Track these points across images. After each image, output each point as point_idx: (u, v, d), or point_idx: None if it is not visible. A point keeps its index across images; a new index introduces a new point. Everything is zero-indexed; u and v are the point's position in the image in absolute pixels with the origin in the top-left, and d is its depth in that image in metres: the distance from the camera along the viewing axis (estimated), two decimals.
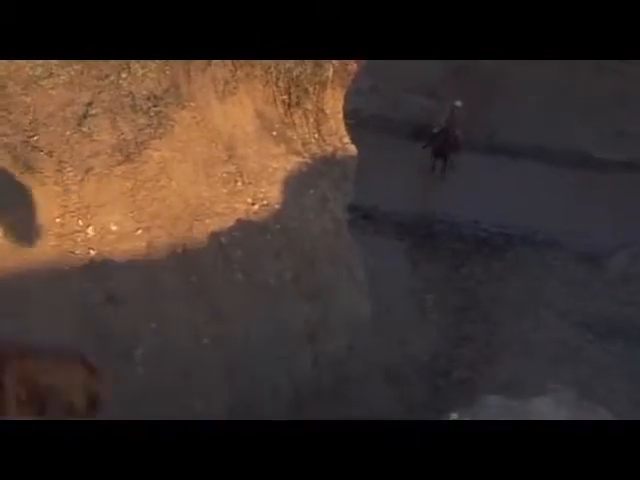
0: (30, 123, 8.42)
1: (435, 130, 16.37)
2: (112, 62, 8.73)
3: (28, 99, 8.49)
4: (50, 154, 8.37)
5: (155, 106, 9.04)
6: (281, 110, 10.73)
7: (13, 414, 3.66)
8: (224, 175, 9.71)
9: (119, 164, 8.66)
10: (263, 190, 10.02)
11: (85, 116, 8.60)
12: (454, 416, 7.53)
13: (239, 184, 9.81)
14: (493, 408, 7.82)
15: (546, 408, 7.63)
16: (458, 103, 15.90)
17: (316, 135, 11.12)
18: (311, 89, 10.77)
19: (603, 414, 7.70)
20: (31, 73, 8.55)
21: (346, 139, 11.43)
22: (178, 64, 9.29)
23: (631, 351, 11.76)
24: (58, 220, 8.31)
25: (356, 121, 12.75)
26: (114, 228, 8.55)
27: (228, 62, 9.85)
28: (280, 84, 10.51)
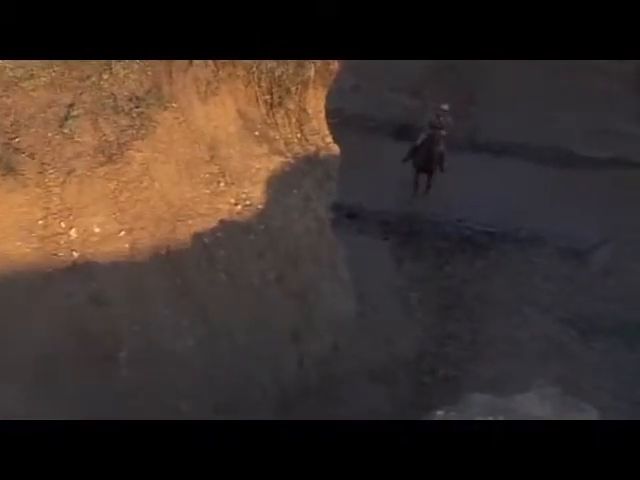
0: (11, 125, 8.39)
1: (418, 142, 15.25)
2: (93, 63, 8.71)
3: (9, 101, 8.45)
4: (32, 156, 8.34)
5: (137, 107, 9.01)
6: (263, 110, 10.71)
7: None
8: (207, 176, 9.69)
9: (101, 165, 8.63)
10: (246, 190, 10.01)
11: (67, 118, 8.57)
12: (440, 414, 7.53)
13: (222, 185, 9.79)
14: (478, 405, 7.83)
15: (530, 404, 7.64)
16: (445, 106, 15.18)
17: (299, 135, 11.11)
18: (293, 89, 10.76)
19: (587, 409, 7.73)
20: (12, 74, 8.51)
21: (329, 138, 11.43)
22: (160, 65, 9.27)
23: (614, 347, 11.82)
24: (41, 222, 8.28)
25: (339, 120, 12.74)
26: (97, 230, 8.51)
27: (210, 62, 9.83)
28: (262, 84, 10.49)
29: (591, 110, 17.43)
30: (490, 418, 6.62)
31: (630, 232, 13.91)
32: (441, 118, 15.17)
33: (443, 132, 15.12)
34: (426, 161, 15.18)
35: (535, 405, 7.65)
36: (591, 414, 7.68)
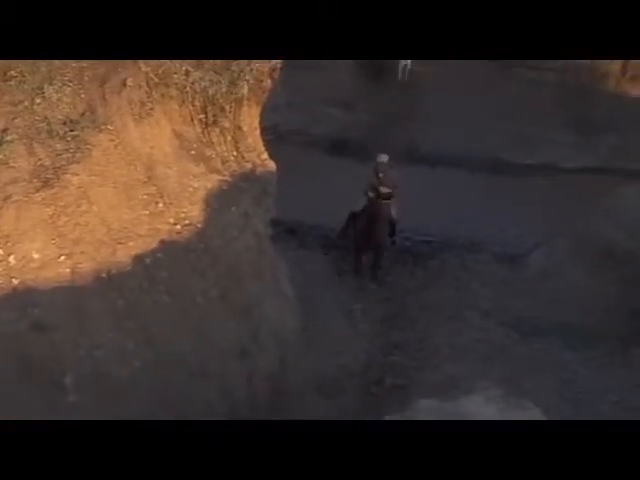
0: None
1: (357, 208, 12.53)
2: (25, 87, 8.64)
3: None
4: None
5: (72, 130, 8.96)
6: (198, 129, 10.74)
7: None
8: (145, 197, 9.65)
9: (38, 190, 8.54)
10: (185, 210, 9.99)
11: (0, 143, 8.47)
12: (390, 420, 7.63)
13: (160, 205, 9.77)
14: (425, 410, 7.95)
15: (476, 406, 7.80)
16: (383, 158, 12.67)
17: (235, 153, 11.15)
18: (227, 107, 10.81)
19: (530, 408, 7.92)
20: None
21: (265, 155, 11.49)
22: (93, 87, 9.24)
23: (554, 347, 12.07)
24: None
25: (274, 137, 12.81)
26: (36, 256, 8.41)
27: (143, 83, 9.83)
28: (196, 103, 10.51)
29: (517, 118, 17.91)
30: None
31: (562, 235, 14.29)
32: (380, 175, 12.59)
33: (385, 190, 12.47)
34: (370, 237, 12.64)
35: (480, 407, 7.82)
36: (534, 412, 7.88)
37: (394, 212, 12.79)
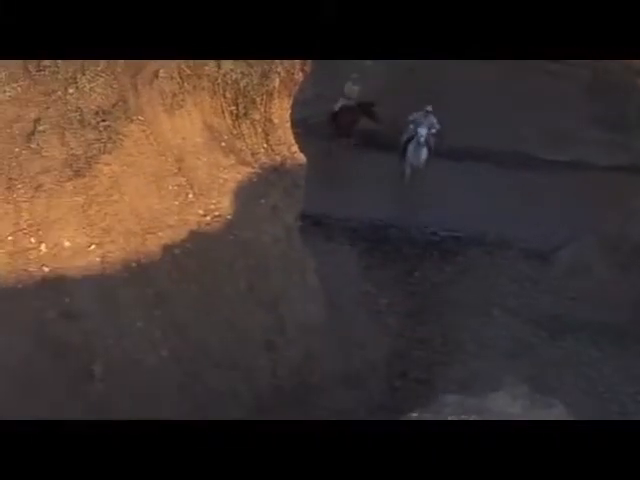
0: None
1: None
2: (59, 77, 8.71)
3: None
4: None
5: (104, 121, 9.03)
6: (229, 121, 10.77)
7: None
8: (175, 188, 9.71)
9: (69, 180, 8.63)
10: (214, 201, 10.04)
11: (33, 132, 8.56)
12: (415, 416, 7.63)
13: (190, 196, 9.83)
14: (450, 406, 7.94)
15: (502, 403, 7.78)
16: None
17: (265, 145, 11.17)
18: (258, 99, 10.83)
19: (555, 405, 7.89)
20: None
21: (294, 148, 11.51)
22: (125, 78, 9.30)
23: (580, 345, 12.01)
24: (10, 238, 8.26)
25: (304, 130, 12.83)
26: (67, 244, 8.51)
27: (175, 75, 9.87)
28: (227, 95, 10.55)
29: (547, 114, 17.74)
30: (463, 417, 6.74)
31: (590, 233, 14.17)
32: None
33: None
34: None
35: (506, 403, 7.79)
36: (559, 410, 7.85)
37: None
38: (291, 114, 11.42)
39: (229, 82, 10.36)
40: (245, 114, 10.79)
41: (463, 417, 6.73)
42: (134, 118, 9.35)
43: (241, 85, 10.44)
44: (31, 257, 8.29)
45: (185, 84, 10.00)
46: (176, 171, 9.76)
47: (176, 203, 9.63)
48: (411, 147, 15.73)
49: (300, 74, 11.15)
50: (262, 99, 10.83)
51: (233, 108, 10.63)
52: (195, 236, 9.64)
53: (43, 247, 8.35)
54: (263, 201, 10.63)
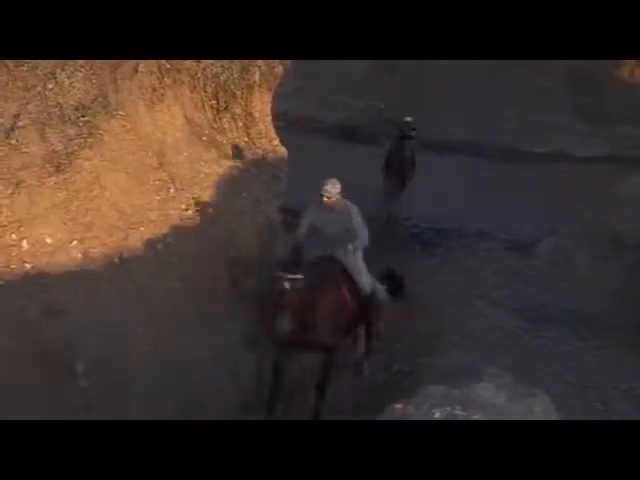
0: None
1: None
2: (38, 72, 8.66)
3: None
4: None
5: (84, 116, 8.99)
6: (210, 115, 10.75)
7: None
8: (156, 182, 9.69)
9: (50, 176, 8.58)
10: (196, 196, 10.03)
11: (13, 128, 8.51)
12: (398, 407, 7.65)
13: (172, 190, 9.80)
14: (434, 397, 7.96)
15: (486, 393, 7.80)
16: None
17: (246, 139, 11.17)
18: (239, 93, 10.83)
19: (539, 395, 7.93)
20: None
21: (276, 141, 11.51)
22: (105, 72, 9.26)
23: (563, 335, 12.08)
24: None
25: (285, 123, 12.82)
26: (49, 241, 8.45)
27: (155, 69, 9.85)
28: (208, 89, 10.53)
29: (528, 106, 17.83)
30: (448, 409, 6.76)
31: (572, 224, 14.26)
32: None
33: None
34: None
35: (490, 393, 7.82)
36: (543, 400, 7.89)
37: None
38: (272, 107, 11.42)
39: (209, 76, 10.35)
40: (226, 108, 10.78)
41: (447, 409, 6.75)
42: (114, 113, 9.32)
43: (221, 79, 10.44)
44: (13, 254, 8.23)
45: (165, 78, 9.98)
46: (157, 166, 9.74)
47: (158, 198, 9.60)
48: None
49: (280, 68, 11.15)
50: (243, 93, 10.83)
51: (214, 102, 10.63)
52: (177, 231, 9.62)
53: (24, 244, 8.30)
54: (245, 194, 10.62)
